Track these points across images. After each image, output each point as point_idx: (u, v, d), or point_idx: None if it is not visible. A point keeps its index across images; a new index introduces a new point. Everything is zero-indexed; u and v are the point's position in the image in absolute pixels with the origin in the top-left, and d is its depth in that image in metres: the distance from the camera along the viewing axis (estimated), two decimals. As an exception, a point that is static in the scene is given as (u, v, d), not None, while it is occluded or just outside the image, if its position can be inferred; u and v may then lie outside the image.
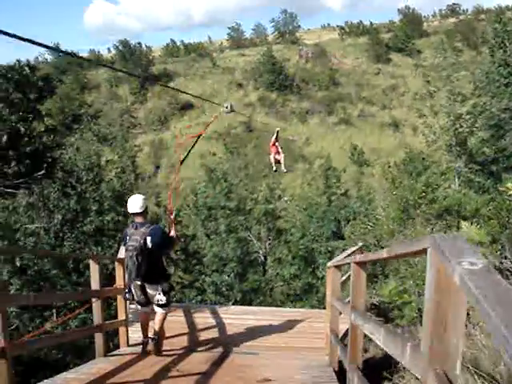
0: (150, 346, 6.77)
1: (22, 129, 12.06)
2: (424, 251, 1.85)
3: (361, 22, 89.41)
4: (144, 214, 6.89)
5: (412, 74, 67.57)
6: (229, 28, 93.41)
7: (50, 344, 9.53)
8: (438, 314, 1.57)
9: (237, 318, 9.89)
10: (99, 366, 6.26)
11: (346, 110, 61.26)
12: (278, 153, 10.56)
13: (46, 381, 5.73)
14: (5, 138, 11.64)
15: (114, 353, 7.13)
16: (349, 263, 5.04)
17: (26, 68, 12.94)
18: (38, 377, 8.83)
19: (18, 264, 12.04)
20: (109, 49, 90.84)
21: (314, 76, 66.86)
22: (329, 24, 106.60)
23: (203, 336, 8.39)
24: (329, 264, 7.73)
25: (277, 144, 10.43)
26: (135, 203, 6.78)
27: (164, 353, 6.94)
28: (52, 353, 12.52)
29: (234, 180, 24.07)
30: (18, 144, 11.99)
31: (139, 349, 7.07)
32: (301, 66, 70.54)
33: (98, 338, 6.83)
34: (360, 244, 9.88)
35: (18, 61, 13.14)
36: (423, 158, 23.23)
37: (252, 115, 59.78)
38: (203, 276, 20.76)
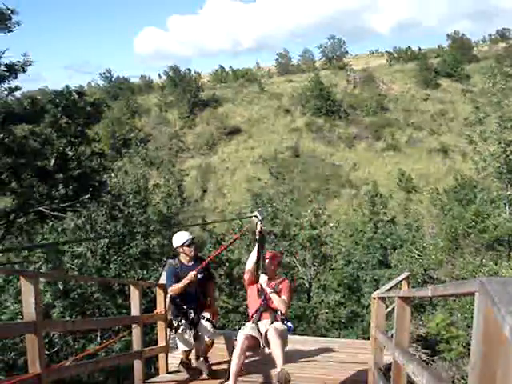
0: (203, 367, 7.08)
1: (70, 153, 12.28)
2: (471, 294, 1.71)
3: (409, 47, 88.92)
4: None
5: (461, 100, 66.63)
6: (277, 54, 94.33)
7: (89, 370, 9.53)
8: (486, 368, 1.42)
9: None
10: (137, 393, 6.20)
11: (393, 136, 60.67)
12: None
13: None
14: (52, 161, 11.86)
15: (154, 379, 7.06)
16: (394, 296, 4.86)
17: (74, 94, 13.20)
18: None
19: (60, 287, 12.15)
20: (159, 75, 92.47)
21: (362, 101, 66.60)
22: (377, 50, 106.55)
23: (244, 366, 8.24)
24: (373, 295, 7.54)
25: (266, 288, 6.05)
26: (185, 235, 6.96)
27: (204, 381, 6.87)
28: (94, 375, 12.56)
29: (280, 205, 23.96)
30: (66, 168, 12.20)
31: (178, 376, 6.99)
32: (348, 91, 70.41)
33: (137, 365, 6.77)
34: (406, 273, 9.59)
35: (66, 86, 13.44)
36: (474, 186, 22.64)
37: (299, 140, 59.80)
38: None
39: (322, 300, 21.43)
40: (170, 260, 7.26)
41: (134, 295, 7.34)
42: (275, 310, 6.22)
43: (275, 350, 5.76)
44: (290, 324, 6.36)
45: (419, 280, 17.43)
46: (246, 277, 6.50)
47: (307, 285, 22.83)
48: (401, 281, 8.53)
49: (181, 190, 33.34)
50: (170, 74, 76.77)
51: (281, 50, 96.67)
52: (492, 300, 1.38)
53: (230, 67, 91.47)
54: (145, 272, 16.63)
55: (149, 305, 11.61)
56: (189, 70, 77.72)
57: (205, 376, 7.06)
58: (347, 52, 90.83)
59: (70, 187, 12.31)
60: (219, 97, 71.73)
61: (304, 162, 55.16)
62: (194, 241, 6.98)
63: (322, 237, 23.11)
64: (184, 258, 6.92)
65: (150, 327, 12.87)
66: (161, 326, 8.30)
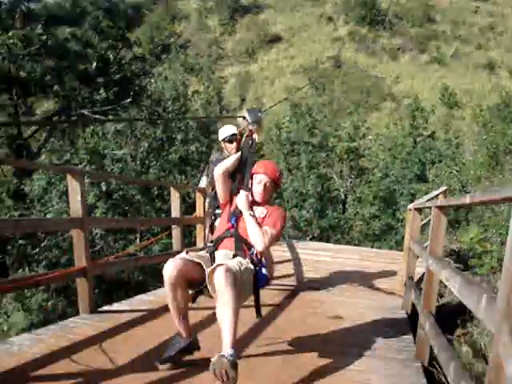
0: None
1: (111, 56, 12.28)
2: (509, 199, 1.75)
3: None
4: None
5: (513, 13, 63.76)
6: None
7: (128, 266, 9.93)
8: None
9: (313, 253, 9.96)
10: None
11: (439, 49, 58.66)
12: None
13: (123, 301, 6.02)
14: (94, 64, 11.91)
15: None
16: (430, 207, 4.90)
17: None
18: (120, 296, 9.27)
19: (103, 188, 12.47)
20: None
21: (408, 11, 64.11)
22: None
23: (278, 269, 8.50)
24: (410, 206, 7.59)
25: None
26: (230, 128, 6.63)
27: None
28: (135, 275, 13.09)
29: (319, 116, 23.74)
30: (107, 71, 12.23)
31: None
32: (394, 0, 67.77)
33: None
34: (444, 188, 9.59)
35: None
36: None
37: (341, 50, 58.38)
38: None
39: (357, 212, 21.59)
40: (215, 154, 6.94)
41: (175, 197, 7.55)
42: (248, 245, 4.11)
43: (220, 315, 3.48)
44: (264, 271, 4.15)
45: (456, 195, 17.34)
46: (219, 194, 4.51)
47: (343, 196, 22.97)
48: (438, 194, 8.55)
49: (220, 98, 33.18)
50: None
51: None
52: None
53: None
54: (183, 177, 16.91)
55: (186, 211, 11.90)
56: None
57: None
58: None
59: (111, 91, 12.40)
60: (260, 3, 69.85)
61: (345, 73, 54.03)
62: (234, 137, 6.49)
63: (360, 149, 22.99)
64: (226, 155, 6.31)
65: (189, 232, 13.25)
66: (199, 228, 8.57)
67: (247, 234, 4.15)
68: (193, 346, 4.02)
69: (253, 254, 4.11)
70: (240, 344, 4.12)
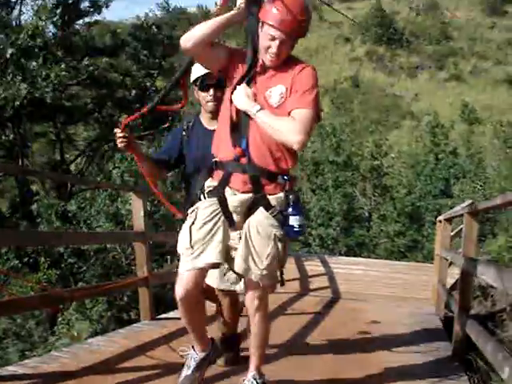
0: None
1: (148, 84, 12.98)
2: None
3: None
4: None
5: (530, 27, 63.93)
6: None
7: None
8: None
9: (345, 267, 10.34)
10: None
11: (457, 66, 58.93)
12: None
13: (176, 310, 6.46)
14: (133, 92, 12.61)
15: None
16: (460, 215, 5.33)
17: (154, 27, 13.84)
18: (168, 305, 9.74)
19: (148, 208, 13.05)
20: (215, 3, 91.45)
21: (425, 29, 64.56)
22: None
23: (314, 283, 8.94)
24: (439, 218, 7.99)
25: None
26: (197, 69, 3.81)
27: (278, 295, 7.46)
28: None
29: (342, 135, 24.18)
30: (144, 98, 12.90)
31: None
32: (411, 19, 68.30)
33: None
34: (470, 201, 9.95)
35: (145, 20, 14.02)
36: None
37: (359, 70, 58.89)
38: (309, 229, 21.28)
39: (382, 230, 21.87)
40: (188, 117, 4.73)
41: (136, 206, 8.00)
42: (272, 177, 3.03)
43: (254, 329, 3.19)
44: (294, 220, 3.01)
45: (481, 209, 17.57)
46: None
47: (367, 214, 23.28)
48: (465, 207, 8.91)
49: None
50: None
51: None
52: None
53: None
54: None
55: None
56: None
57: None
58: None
59: (148, 117, 13.01)
60: (278, 26, 70.82)
61: (364, 93, 54.53)
62: (210, 82, 3.74)
63: (382, 167, 23.34)
64: (204, 114, 3.96)
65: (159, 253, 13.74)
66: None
67: (267, 157, 3.00)
68: (212, 353, 3.47)
69: (282, 189, 3.05)
70: (289, 344, 4.59)
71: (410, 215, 20.92)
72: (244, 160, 2.99)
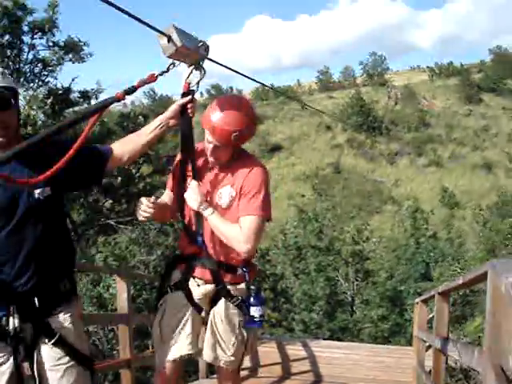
0: None
1: (134, 171, 13.38)
2: (485, 274, 2.42)
3: (451, 62, 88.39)
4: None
5: (505, 115, 66.19)
6: (317, 71, 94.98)
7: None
8: (494, 320, 2.13)
9: (327, 351, 10.35)
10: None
11: (436, 152, 60.54)
12: None
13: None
14: (119, 179, 12.97)
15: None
16: (433, 296, 5.52)
17: (140, 117, 14.43)
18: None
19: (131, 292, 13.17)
20: (201, 93, 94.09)
21: (404, 117, 66.65)
22: (418, 66, 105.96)
23: (295, 366, 8.94)
24: (416, 300, 8.16)
25: None
26: None
27: (260, 379, 7.48)
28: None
29: (324, 220, 24.56)
30: (130, 185, 13.26)
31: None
32: (390, 107, 70.59)
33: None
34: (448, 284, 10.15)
35: (132, 110, 14.58)
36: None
37: (340, 157, 60.07)
38: (292, 314, 21.24)
39: (365, 314, 21.88)
40: None
41: (121, 289, 8.12)
42: (231, 268, 3.12)
43: None
44: (254, 311, 3.09)
45: (460, 292, 17.84)
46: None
47: (350, 299, 23.32)
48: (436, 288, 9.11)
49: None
50: (211, 91, 78.33)
51: (321, 67, 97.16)
52: (497, 273, 2.11)
53: (271, 84, 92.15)
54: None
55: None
56: (231, 87, 79.41)
57: None
58: (388, 68, 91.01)
59: (131, 203, 13.33)
60: (260, 114, 72.66)
61: (346, 178, 55.55)
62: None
63: (364, 252, 23.60)
64: None
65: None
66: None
67: (225, 252, 3.08)
68: None
69: (243, 280, 3.13)
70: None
71: (392, 299, 21.03)
72: (203, 254, 3.07)
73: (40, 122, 13.47)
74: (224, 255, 3.09)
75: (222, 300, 3.10)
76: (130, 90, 2.45)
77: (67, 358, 2.59)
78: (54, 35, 15.94)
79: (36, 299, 2.57)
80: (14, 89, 2.65)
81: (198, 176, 3.08)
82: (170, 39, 2.57)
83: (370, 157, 60.93)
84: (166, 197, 3.32)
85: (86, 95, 14.84)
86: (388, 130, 65.10)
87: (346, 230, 24.89)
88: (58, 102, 14.28)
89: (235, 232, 2.96)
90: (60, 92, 14.52)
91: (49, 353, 2.56)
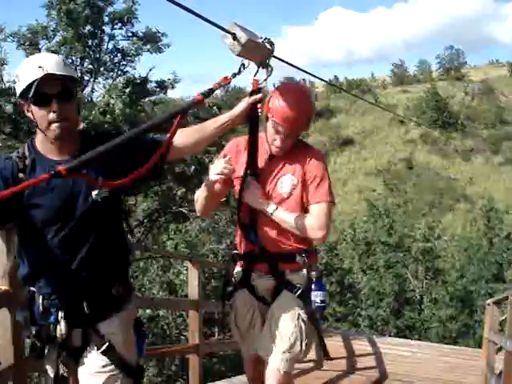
0: None
1: (207, 160, 13.65)
2: None
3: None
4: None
5: None
6: (392, 65, 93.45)
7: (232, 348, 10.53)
8: None
9: (393, 348, 10.27)
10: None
11: (512, 150, 58.58)
12: None
13: (223, 380, 6.61)
14: (192, 168, 13.27)
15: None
16: (506, 297, 5.41)
17: (215, 107, 14.80)
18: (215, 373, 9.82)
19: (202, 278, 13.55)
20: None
21: (480, 114, 64.75)
22: (497, 60, 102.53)
23: (360, 361, 8.92)
24: (488, 301, 7.99)
25: None
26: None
27: (325, 372, 7.49)
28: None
29: (394, 216, 24.26)
30: (202, 174, 13.53)
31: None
32: (466, 103, 68.67)
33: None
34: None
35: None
36: None
37: (413, 152, 58.99)
38: (358, 309, 21.12)
39: (433, 313, 21.51)
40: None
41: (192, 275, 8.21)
42: (289, 259, 3.10)
43: None
44: (316, 296, 3.10)
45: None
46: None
47: (418, 297, 22.97)
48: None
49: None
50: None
51: (396, 61, 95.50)
52: None
53: (345, 78, 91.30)
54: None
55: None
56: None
57: None
58: (466, 62, 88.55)
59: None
60: (333, 107, 72.21)
61: (418, 175, 54.54)
62: (54, 91, 2.34)
63: (435, 250, 23.17)
64: (45, 143, 2.50)
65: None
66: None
67: (281, 243, 3.09)
68: None
69: (303, 266, 3.11)
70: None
71: (462, 299, 20.59)
72: (259, 248, 3.10)
73: (118, 111, 13.90)
74: (280, 245, 3.09)
75: (284, 292, 3.12)
76: (208, 93, 2.45)
77: (112, 367, 2.54)
78: (133, 26, 16.49)
79: (85, 304, 2.52)
80: (76, 79, 2.59)
81: (256, 169, 3.07)
82: (234, 37, 2.49)
83: (444, 153, 59.55)
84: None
85: (162, 85, 15.29)
86: (463, 126, 63.38)
87: (417, 227, 24.49)
88: (135, 92, 14.75)
89: (308, 221, 2.98)
90: (138, 81, 14.98)
91: (95, 359, 2.54)
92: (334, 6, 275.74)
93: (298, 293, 3.09)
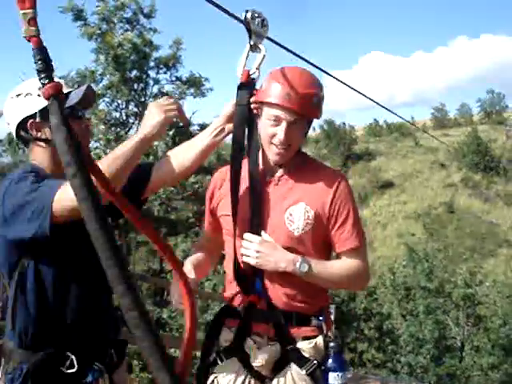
0: None
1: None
2: None
3: None
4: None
5: None
6: (433, 108, 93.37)
7: None
8: None
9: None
10: None
11: (557, 196, 57.55)
12: None
13: None
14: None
15: None
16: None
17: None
18: None
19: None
20: (314, 128, 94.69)
21: (523, 158, 63.97)
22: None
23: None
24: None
25: None
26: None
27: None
28: None
29: (434, 261, 24.02)
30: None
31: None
32: (508, 147, 67.96)
33: None
34: None
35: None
36: None
37: (454, 196, 58.41)
38: (397, 356, 20.80)
39: (475, 361, 21.07)
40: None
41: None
42: (300, 318, 2.36)
43: None
44: (336, 374, 2.27)
45: None
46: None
47: (459, 344, 22.54)
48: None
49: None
50: (324, 127, 78.65)
51: (436, 104, 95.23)
52: None
53: (385, 121, 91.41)
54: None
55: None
56: (343, 123, 79.28)
57: None
58: (507, 106, 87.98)
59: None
60: (373, 150, 72.21)
61: (459, 219, 53.83)
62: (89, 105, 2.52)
63: (476, 296, 22.80)
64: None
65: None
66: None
67: (294, 298, 2.32)
68: None
69: (319, 333, 2.33)
70: None
71: (505, 347, 20.12)
72: (262, 304, 2.31)
73: (161, 153, 14.32)
74: (291, 301, 2.32)
75: (291, 366, 2.31)
76: None
77: None
78: (177, 70, 17.05)
79: (113, 352, 2.31)
80: None
81: (254, 192, 2.26)
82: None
83: (486, 197, 58.74)
84: (205, 245, 2.67)
85: (205, 128, 15.79)
86: (505, 171, 62.58)
87: (458, 273, 24.16)
88: (178, 134, 15.22)
89: (353, 270, 2.32)
90: (181, 124, 15.54)
91: None
92: (373, 51, 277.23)
93: (311, 370, 2.28)
